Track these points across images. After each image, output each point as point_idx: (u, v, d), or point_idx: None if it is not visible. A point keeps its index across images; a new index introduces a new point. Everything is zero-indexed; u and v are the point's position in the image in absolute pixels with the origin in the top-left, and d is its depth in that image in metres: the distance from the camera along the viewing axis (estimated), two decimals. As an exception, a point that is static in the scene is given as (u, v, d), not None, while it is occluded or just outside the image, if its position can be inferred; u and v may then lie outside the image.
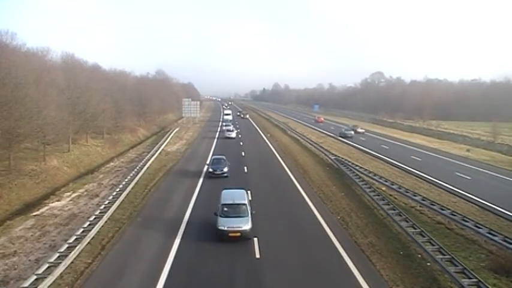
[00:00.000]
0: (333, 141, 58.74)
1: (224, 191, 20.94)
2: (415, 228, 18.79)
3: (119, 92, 67.64)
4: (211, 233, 18.52)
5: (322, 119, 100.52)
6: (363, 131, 71.77)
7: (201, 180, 31.14)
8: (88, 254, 16.88)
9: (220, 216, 18.52)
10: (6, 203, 27.90)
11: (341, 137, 63.45)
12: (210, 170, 31.88)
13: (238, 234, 17.87)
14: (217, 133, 65.45)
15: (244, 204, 19.09)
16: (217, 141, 55.51)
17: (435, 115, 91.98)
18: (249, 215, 18.62)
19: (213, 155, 40.69)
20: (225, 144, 52.17)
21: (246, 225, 18.06)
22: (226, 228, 17.92)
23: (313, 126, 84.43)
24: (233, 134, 58.86)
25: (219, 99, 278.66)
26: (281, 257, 16.72)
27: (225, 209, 18.83)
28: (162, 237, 18.91)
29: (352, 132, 65.70)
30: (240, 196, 20.07)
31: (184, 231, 19.62)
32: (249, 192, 26.85)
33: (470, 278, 13.91)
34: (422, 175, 34.39)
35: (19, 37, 55.02)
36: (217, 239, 18.03)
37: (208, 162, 35.47)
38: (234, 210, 18.77)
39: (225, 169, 31.78)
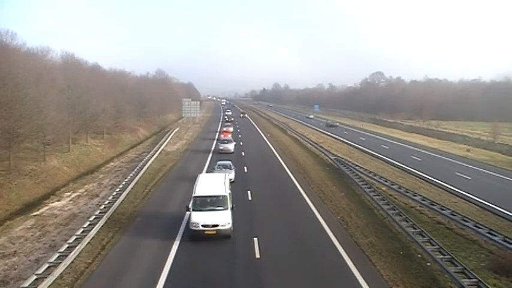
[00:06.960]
0: (333, 141, 58.86)
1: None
2: (415, 228, 18.77)
3: (119, 92, 67.60)
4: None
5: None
6: (272, 105, 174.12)
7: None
8: (88, 254, 16.86)
9: None
10: (6, 203, 27.88)
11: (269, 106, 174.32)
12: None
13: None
14: (217, 133, 65.40)
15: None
16: (217, 142, 55.33)
17: (435, 115, 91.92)
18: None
19: (212, 155, 40.99)
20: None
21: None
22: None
23: (313, 126, 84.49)
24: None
25: (223, 102, 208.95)
26: (281, 257, 16.70)
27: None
28: (162, 237, 18.89)
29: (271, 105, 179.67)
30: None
31: (184, 232, 19.59)
32: (248, 192, 26.99)
33: (470, 278, 13.89)
34: (422, 175, 34.38)
35: (19, 37, 54.94)
36: None
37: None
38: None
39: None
